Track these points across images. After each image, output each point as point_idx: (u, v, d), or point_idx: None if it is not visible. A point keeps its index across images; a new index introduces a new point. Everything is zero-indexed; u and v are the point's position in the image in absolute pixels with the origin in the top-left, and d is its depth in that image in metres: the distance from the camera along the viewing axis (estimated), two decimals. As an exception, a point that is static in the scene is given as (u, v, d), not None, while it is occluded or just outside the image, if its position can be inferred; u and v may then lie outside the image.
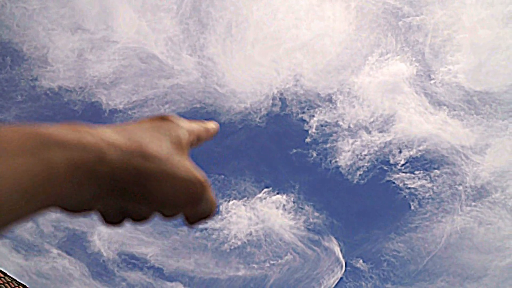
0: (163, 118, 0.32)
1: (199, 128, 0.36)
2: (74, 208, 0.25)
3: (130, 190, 0.26)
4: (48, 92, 17.04)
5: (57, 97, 17.35)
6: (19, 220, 0.20)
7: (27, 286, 7.55)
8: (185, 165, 0.29)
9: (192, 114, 19.29)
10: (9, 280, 7.18)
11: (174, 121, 0.33)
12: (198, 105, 19.17)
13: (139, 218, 0.30)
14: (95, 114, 18.04)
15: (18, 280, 7.42)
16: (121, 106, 17.99)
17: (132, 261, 19.13)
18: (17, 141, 0.20)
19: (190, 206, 0.29)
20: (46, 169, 0.21)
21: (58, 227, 17.93)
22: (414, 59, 18.93)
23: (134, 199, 0.27)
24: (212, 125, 0.40)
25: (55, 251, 17.91)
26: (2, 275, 7.04)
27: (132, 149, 0.26)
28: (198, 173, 0.29)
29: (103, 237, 18.86)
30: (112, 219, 0.29)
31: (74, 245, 18.39)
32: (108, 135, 0.25)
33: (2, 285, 6.90)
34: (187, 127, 0.33)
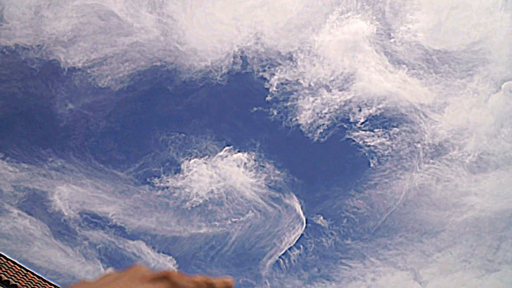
0: (163, 277, 0.31)
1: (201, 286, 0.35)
2: None
3: None
4: (4, 50, 15.83)
5: (13, 56, 16.20)
6: None
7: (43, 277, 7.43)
8: None
9: (153, 73, 18.71)
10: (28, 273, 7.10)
11: (174, 280, 0.31)
12: (158, 64, 18.62)
13: None
14: (54, 72, 17.10)
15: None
16: (80, 65, 17.13)
17: (94, 220, 19.04)
18: None
19: None
20: None
21: (18, 187, 17.30)
22: (374, 17, 19.18)
23: None
24: (221, 281, 0.37)
25: (15, 211, 17.41)
26: (19, 268, 6.81)
27: None
28: None
29: (64, 196, 18.48)
30: None
31: (35, 205, 17.92)
32: None
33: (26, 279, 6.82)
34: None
